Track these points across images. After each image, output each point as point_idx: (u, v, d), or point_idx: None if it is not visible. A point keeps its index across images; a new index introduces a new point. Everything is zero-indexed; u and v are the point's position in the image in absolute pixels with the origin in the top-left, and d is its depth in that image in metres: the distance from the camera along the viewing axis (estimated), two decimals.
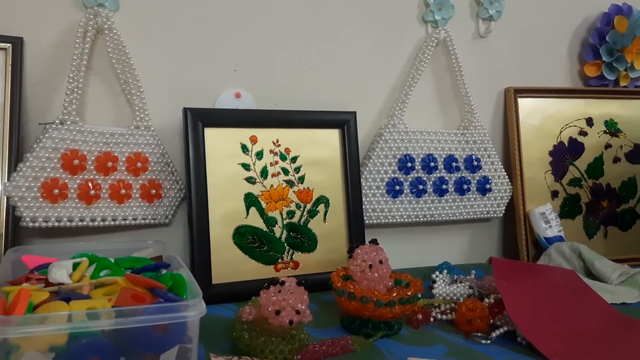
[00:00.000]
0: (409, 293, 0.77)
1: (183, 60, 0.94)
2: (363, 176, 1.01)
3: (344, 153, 0.99)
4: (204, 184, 0.87)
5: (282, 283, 0.69)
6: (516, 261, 0.95)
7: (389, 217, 1.03)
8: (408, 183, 1.04)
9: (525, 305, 0.81)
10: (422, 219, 1.06)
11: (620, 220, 1.17)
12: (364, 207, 1.00)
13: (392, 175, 1.03)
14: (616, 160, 1.18)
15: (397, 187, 1.03)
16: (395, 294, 0.76)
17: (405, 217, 1.04)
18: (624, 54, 1.16)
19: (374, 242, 0.84)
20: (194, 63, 0.94)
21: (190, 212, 0.86)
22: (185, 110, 0.87)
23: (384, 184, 1.02)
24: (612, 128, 1.19)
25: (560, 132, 1.16)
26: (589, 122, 1.18)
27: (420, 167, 1.05)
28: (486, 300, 0.85)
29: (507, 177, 1.11)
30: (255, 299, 0.72)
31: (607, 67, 1.17)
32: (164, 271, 0.69)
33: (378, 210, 1.02)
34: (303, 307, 0.69)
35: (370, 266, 0.80)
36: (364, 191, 1.01)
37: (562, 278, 0.94)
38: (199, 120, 0.88)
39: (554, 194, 1.14)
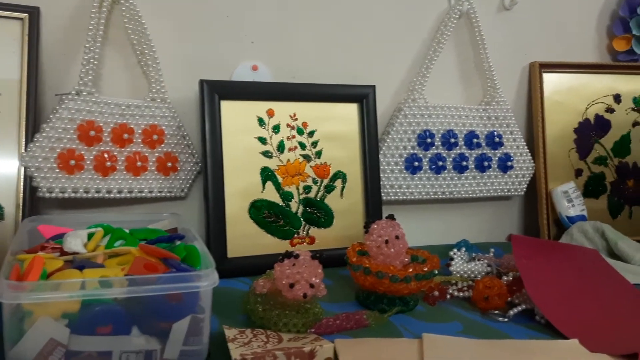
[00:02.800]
0: (426, 269, 0.76)
1: (200, 32, 0.92)
2: (381, 152, 0.99)
3: (362, 128, 0.97)
4: (219, 158, 0.87)
5: (297, 256, 0.69)
6: (537, 239, 0.93)
7: (407, 194, 1.01)
8: (427, 159, 1.02)
9: (544, 283, 0.79)
10: (440, 196, 1.04)
11: None
12: (381, 183, 0.99)
13: (411, 151, 1.01)
14: None
15: (416, 163, 1.01)
16: (411, 270, 0.75)
17: (423, 193, 1.02)
18: None
19: (390, 217, 0.82)
20: (211, 34, 0.93)
21: (206, 186, 0.86)
22: (201, 82, 0.86)
23: (403, 159, 1.01)
24: None
25: (587, 108, 1.12)
26: (617, 98, 1.14)
27: (440, 143, 1.02)
28: (504, 278, 0.83)
29: (529, 154, 1.09)
30: (270, 272, 0.71)
31: (637, 41, 1.13)
32: (178, 242, 0.69)
33: (396, 186, 1.00)
34: (317, 280, 0.68)
35: (387, 241, 0.78)
36: (382, 167, 0.99)
37: (584, 257, 0.92)
38: (216, 92, 0.87)
39: (578, 173, 1.11)
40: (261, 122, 0.91)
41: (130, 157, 0.85)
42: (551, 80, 1.11)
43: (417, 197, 1.02)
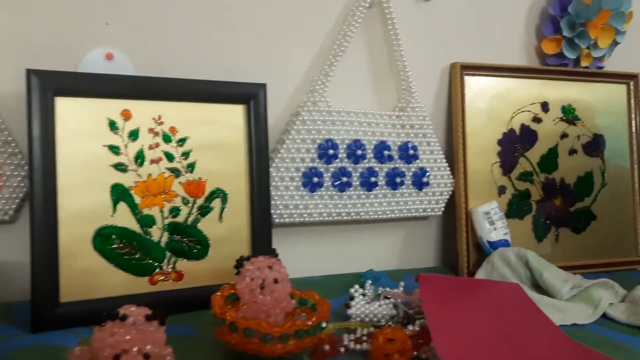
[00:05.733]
0: (309, 323, 0.59)
1: (34, 8, 0.71)
2: (274, 165, 0.82)
3: (249, 135, 0.79)
4: (51, 171, 0.66)
5: (124, 317, 0.50)
6: (449, 277, 0.78)
7: (305, 215, 0.85)
8: (330, 174, 0.85)
9: (456, 332, 0.64)
10: (345, 218, 0.88)
11: (573, 221, 1.02)
12: (273, 202, 0.82)
13: (311, 165, 0.84)
14: (572, 152, 1.03)
15: (316, 179, 0.84)
16: (289, 325, 0.58)
17: (325, 214, 0.86)
18: (588, 29, 1.00)
19: (271, 253, 0.65)
20: (50, 12, 0.72)
21: (32, 207, 0.65)
22: (28, 72, 0.66)
23: (300, 174, 0.84)
24: (569, 115, 1.03)
25: (512, 117, 0.99)
26: (545, 107, 1.02)
27: (345, 155, 0.86)
28: (410, 327, 0.68)
29: (448, 169, 0.94)
30: (86, 338, 0.52)
31: (567, 43, 1.01)
32: None
33: (291, 206, 0.83)
34: (155, 349, 0.50)
35: (262, 286, 0.61)
36: (274, 183, 0.82)
37: (505, 294, 0.78)
38: (48, 86, 0.66)
39: (501, 190, 0.98)
40: (113, 125, 0.71)
41: None
42: (474, 84, 0.97)
43: (316, 219, 0.85)
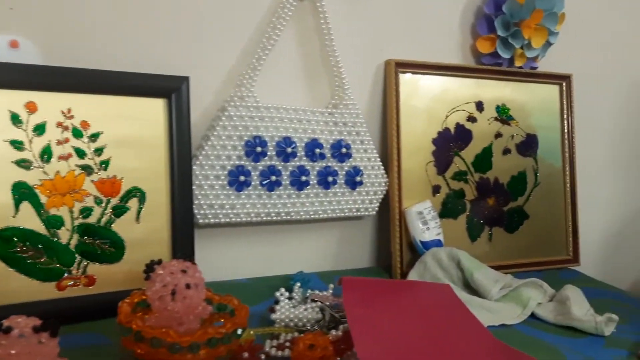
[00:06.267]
0: (223, 330, 0.56)
1: None
2: (197, 162, 0.78)
3: (170, 131, 0.75)
4: None
5: (7, 330, 0.45)
6: (375, 279, 0.75)
7: (232, 216, 0.81)
8: (258, 173, 0.82)
9: (381, 337, 0.62)
10: (275, 218, 0.84)
11: (506, 221, 1.03)
12: (197, 202, 0.78)
13: (237, 163, 0.80)
14: (506, 151, 1.03)
15: (243, 178, 0.81)
16: (200, 334, 0.55)
17: (253, 215, 0.82)
18: (521, 29, 1.00)
19: (184, 257, 0.62)
20: None
21: None
22: None
23: (226, 173, 0.80)
24: (503, 115, 1.03)
25: (447, 116, 0.99)
26: (479, 106, 1.01)
27: (274, 153, 0.83)
28: (333, 332, 0.65)
29: (382, 168, 0.93)
30: None
31: (501, 42, 1.01)
32: None
33: (217, 206, 0.80)
34: None
35: (174, 293, 0.57)
36: (197, 182, 0.78)
37: (436, 295, 0.77)
38: None
39: (436, 190, 0.97)
40: (16, 119, 0.65)
41: None
42: (409, 82, 0.96)
43: (244, 219, 0.82)
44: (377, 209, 0.94)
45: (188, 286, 0.58)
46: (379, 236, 0.99)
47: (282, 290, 0.75)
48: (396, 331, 0.65)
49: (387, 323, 0.65)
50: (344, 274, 0.92)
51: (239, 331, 0.58)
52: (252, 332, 0.66)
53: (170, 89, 0.75)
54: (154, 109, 0.75)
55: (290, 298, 0.76)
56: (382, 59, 0.95)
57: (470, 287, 0.87)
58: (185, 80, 0.76)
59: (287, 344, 0.65)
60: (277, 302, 0.73)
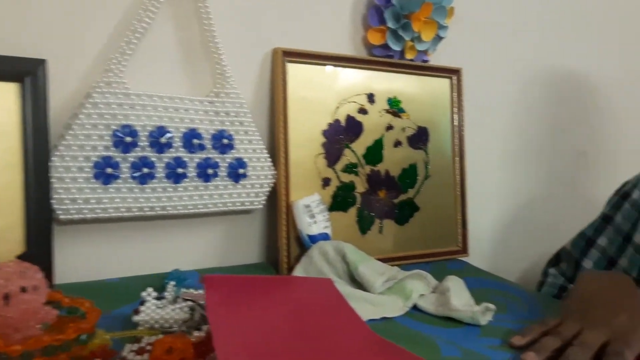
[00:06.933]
0: (60, 337, 0.51)
1: None
2: (58, 153, 0.72)
3: (24, 118, 0.69)
4: None
5: None
6: (244, 277, 0.71)
7: (99, 211, 0.75)
8: (128, 164, 0.77)
9: (246, 337, 0.59)
10: (149, 212, 0.79)
11: (397, 213, 1.03)
12: (57, 196, 0.71)
13: (104, 154, 0.75)
14: (398, 144, 1.03)
15: (111, 170, 0.75)
16: (32, 342, 0.49)
17: (123, 209, 0.77)
18: (411, 21, 1.00)
19: (24, 257, 0.56)
20: None
21: None
22: None
23: (91, 164, 0.74)
24: (395, 107, 1.03)
25: (337, 108, 0.97)
26: (371, 98, 1.00)
27: (147, 143, 0.78)
28: (195, 334, 0.61)
29: (269, 160, 0.90)
30: None
31: (392, 35, 1.00)
32: None
33: (80, 200, 0.73)
34: None
35: (6, 297, 0.51)
36: (58, 174, 0.71)
37: (315, 291, 0.75)
38: None
39: (326, 182, 0.96)
40: None
41: None
42: (298, 73, 0.93)
43: (113, 214, 0.76)
44: (264, 202, 0.91)
45: (24, 289, 0.52)
46: (269, 231, 0.96)
47: (150, 290, 0.70)
48: (264, 330, 0.62)
49: (255, 322, 0.62)
50: (230, 270, 0.89)
51: (84, 337, 0.53)
52: (107, 337, 0.61)
53: (24, 73, 0.68)
54: (5, 94, 0.68)
55: (160, 298, 0.71)
56: (270, 48, 0.92)
57: (357, 281, 0.86)
58: (41, 63, 0.69)
59: (149, 347, 0.61)
60: (142, 302, 0.69)
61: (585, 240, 1.01)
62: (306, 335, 0.65)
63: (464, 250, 1.09)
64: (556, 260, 1.09)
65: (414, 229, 1.04)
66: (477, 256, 1.12)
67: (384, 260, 0.96)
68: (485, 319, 0.78)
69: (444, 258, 1.06)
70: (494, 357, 0.67)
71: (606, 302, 0.74)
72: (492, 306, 0.80)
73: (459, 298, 0.82)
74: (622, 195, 0.96)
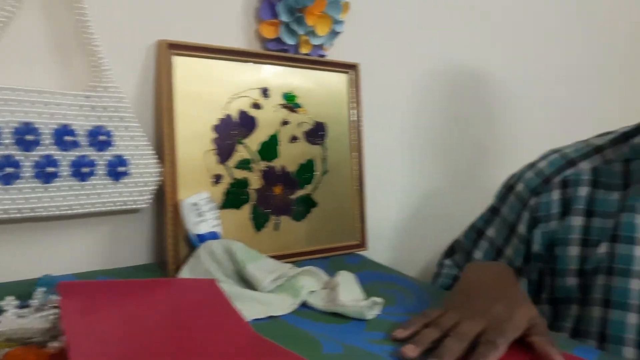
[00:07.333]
0: None
1: None
2: None
3: None
4: None
5: None
6: (111, 281, 0.67)
7: None
8: None
9: (108, 345, 0.56)
10: (16, 215, 0.74)
11: (294, 209, 1.02)
12: None
13: None
14: (294, 139, 1.02)
15: None
16: None
17: None
18: (305, 15, 0.99)
19: None
20: None
21: None
22: None
23: None
24: (291, 102, 1.02)
25: (229, 102, 0.94)
26: (265, 92, 0.99)
27: (11, 141, 0.72)
28: (51, 345, 0.58)
29: (155, 157, 0.86)
30: None
31: (285, 28, 0.99)
32: None
33: None
34: None
35: None
36: None
37: (195, 292, 0.73)
38: None
39: (217, 179, 0.93)
40: None
41: None
42: (185, 66, 0.90)
43: None
44: (149, 201, 0.87)
45: None
46: (158, 231, 0.93)
47: (10, 298, 0.65)
48: (131, 335, 0.59)
49: (120, 328, 0.59)
50: (115, 272, 0.85)
51: None
52: None
53: None
54: None
55: (25, 306, 0.67)
56: (155, 39, 0.88)
57: (247, 280, 0.84)
58: None
59: None
60: (1, 312, 0.64)
61: (475, 232, 1.04)
62: (180, 338, 0.62)
63: (363, 244, 1.09)
64: (451, 251, 1.12)
65: (311, 224, 1.03)
66: (377, 250, 1.13)
67: (280, 257, 0.95)
68: (372, 314, 0.78)
69: (343, 253, 1.06)
70: (375, 351, 0.67)
71: (486, 292, 0.77)
72: (379, 300, 0.80)
73: (348, 293, 0.82)
74: (508, 187, 1.00)
